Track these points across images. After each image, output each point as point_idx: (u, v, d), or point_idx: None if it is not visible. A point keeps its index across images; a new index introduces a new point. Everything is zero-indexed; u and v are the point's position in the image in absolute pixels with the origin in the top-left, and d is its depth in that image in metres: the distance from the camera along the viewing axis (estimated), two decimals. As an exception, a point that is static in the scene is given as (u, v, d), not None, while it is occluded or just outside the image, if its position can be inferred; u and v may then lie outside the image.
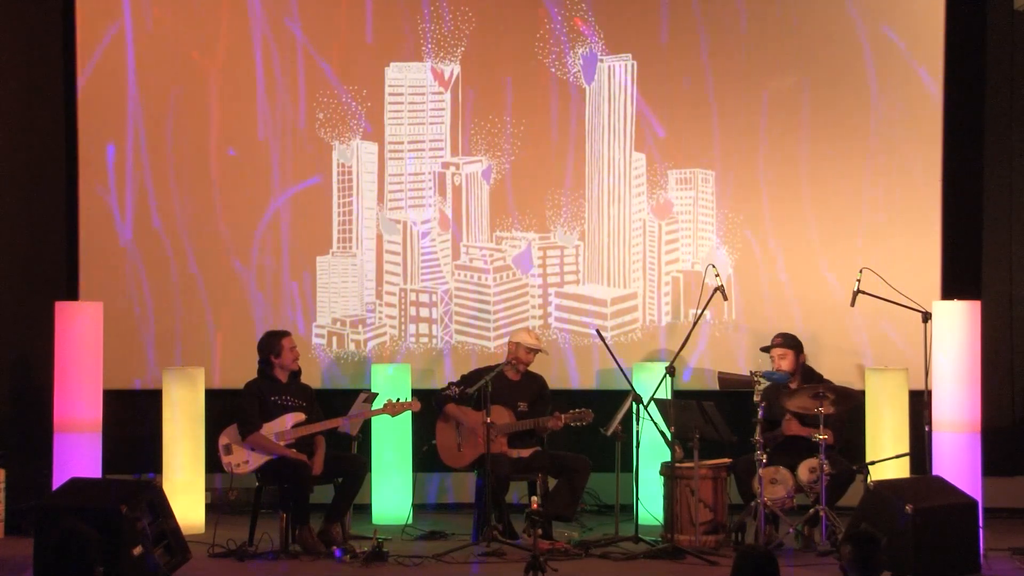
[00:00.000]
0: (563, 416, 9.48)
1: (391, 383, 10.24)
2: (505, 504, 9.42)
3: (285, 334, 9.50)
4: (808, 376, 9.50)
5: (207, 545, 9.08)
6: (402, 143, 10.96)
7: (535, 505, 7.93)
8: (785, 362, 9.50)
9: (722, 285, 9.52)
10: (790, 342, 9.56)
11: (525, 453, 9.63)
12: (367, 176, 10.95)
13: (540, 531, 8.68)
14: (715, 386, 9.86)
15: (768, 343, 9.64)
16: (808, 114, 10.80)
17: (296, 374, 9.53)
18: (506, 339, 10.16)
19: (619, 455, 9.56)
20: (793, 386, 9.38)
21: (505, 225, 10.92)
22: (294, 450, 9.25)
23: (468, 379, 9.68)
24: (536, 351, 9.76)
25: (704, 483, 9.11)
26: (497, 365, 9.62)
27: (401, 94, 10.96)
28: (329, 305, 10.92)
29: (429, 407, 9.74)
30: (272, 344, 9.43)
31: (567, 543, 9.18)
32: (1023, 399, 10.88)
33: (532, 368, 9.85)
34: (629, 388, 9.51)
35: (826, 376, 9.59)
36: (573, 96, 10.90)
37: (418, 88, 10.95)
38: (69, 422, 9.71)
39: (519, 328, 10.42)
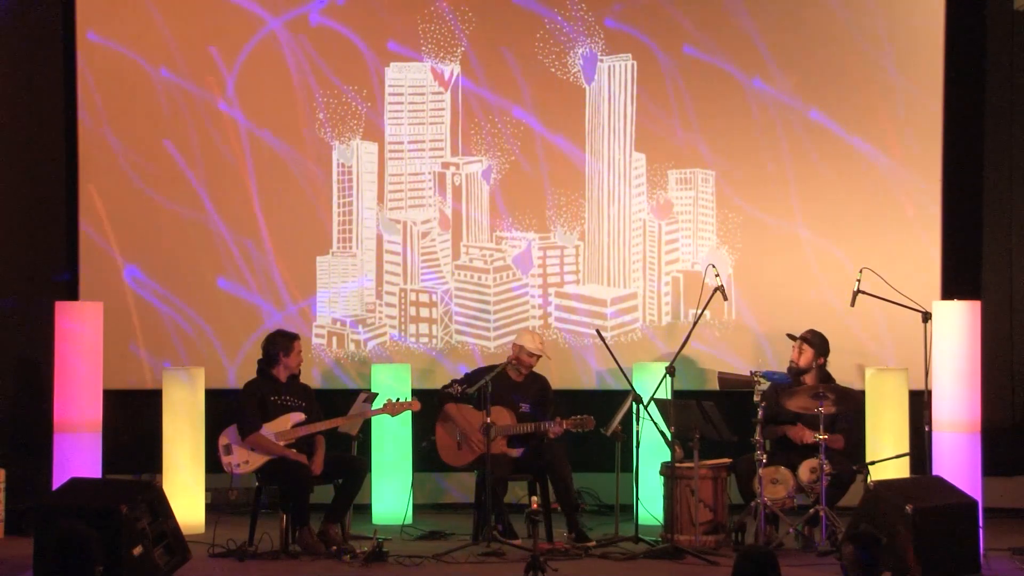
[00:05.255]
0: (564, 422, 9.45)
1: (391, 383, 10.24)
2: (505, 504, 9.41)
3: (296, 336, 9.50)
4: (823, 380, 9.46)
5: (207, 545, 9.08)
6: (402, 143, 10.97)
7: (535, 505, 7.92)
8: (803, 357, 9.48)
9: (722, 285, 9.51)
10: (814, 341, 9.48)
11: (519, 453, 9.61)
12: (367, 176, 10.95)
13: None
14: (715, 386, 9.86)
15: (785, 336, 9.62)
16: (808, 114, 10.80)
17: (295, 374, 9.53)
18: (506, 339, 10.17)
19: (619, 455, 9.56)
20: (808, 381, 9.36)
21: (505, 225, 10.92)
22: (294, 450, 9.25)
23: (470, 378, 9.67)
24: (537, 357, 9.73)
25: (704, 483, 9.11)
26: (499, 365, 9.61)
27: (401, 94, 10.96)
28: (329, 305, 10.92)
29: (429, 407, 9.74)
30: (284, 343, 9.42)
31: (567, 544, 9.18)
32: (1023, 399, 10.88)
33: (536, 369, 9.84)
34: (629, 388, 9.51)
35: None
36: (573, 96, 10.90)
37: (418, 88, 10.95)
38: (69, 422, 9.70)
39: (524, 329, 10.36)
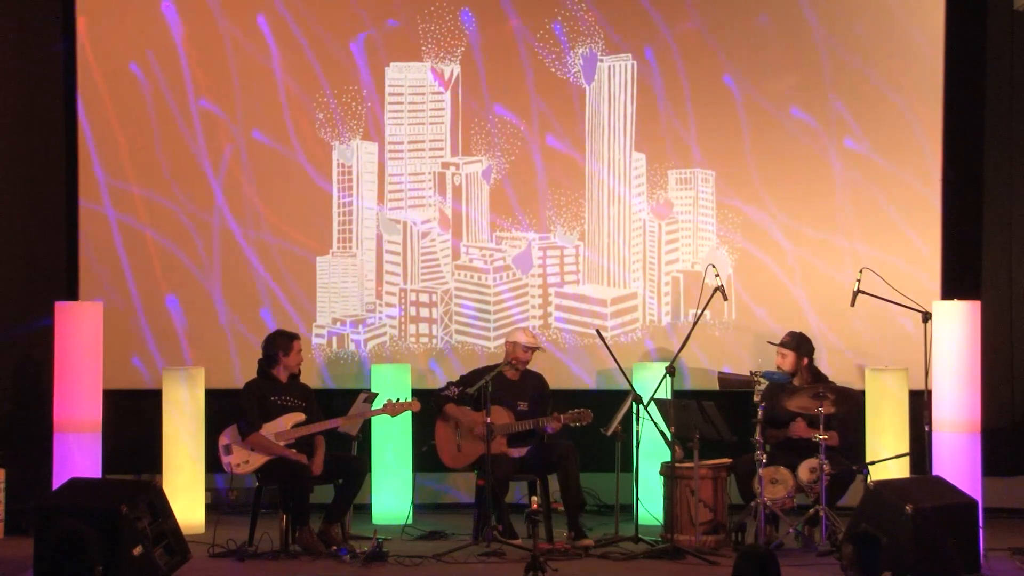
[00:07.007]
0: (562, 417, 9.46)
1: (391, 383, 10.24)
2: (505, 504, 9.41)
3: (296, 336, 9.51)
4: (815, 378, 9.47)
5: (207, 545, 9.08)
6: (402, 143, 10.96)
7: (535, 505, 7.92)
8: (785, 362, 9.50)
9: (722, 285, 9.51)
10: (793, 343, 9.52)
11: (523, 452, 9.61)
12: (367, 176, 10.95)
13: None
14: (715, 386, 9.86)
15: (778, 340, 9.63)
16: (808, 114, 10.80)
17: (295, 374, 9.53)
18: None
19: (619, 455, 9.56)
20: (798, 382, 9.38)
21: (505, 225, 10.92)
22: (294, 450, 9.25)
23: (467, 379, 9.68)
24: (533, 349, 9.74)
25: (704, 483, 9.11)
26: (496, 365, 9.62)
27: (401, 94, 10.96)
28: (329, 305, 10.92)
29: (429, 407, 9.74)
30: (283, 343, 9.43)
31: (567, 543, 9.18)
32: (1023, 399, 10.87)
33: (533, 367, 9.84)
34: (629, 388, 9.51)
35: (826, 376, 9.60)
36: (573, 96, 10.90)
37: (418, 88, 10.95)
38: (69, 422, 9.70)
39: (515, 328, 10.38)
